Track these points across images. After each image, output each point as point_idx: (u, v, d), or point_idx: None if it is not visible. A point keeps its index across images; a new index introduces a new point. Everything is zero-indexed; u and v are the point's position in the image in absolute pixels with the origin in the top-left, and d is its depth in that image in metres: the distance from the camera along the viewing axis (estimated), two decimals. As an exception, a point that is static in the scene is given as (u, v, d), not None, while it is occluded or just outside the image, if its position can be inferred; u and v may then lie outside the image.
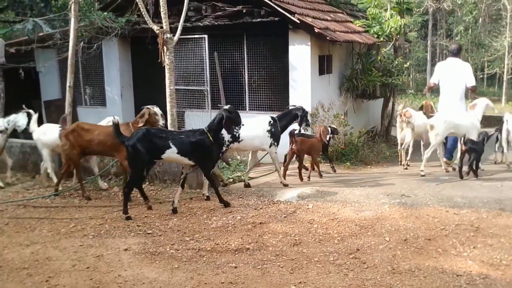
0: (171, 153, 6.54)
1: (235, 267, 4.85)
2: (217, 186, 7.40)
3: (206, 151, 6.70)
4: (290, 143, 8.29)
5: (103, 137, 7.33)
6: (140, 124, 7.39)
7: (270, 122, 8.03)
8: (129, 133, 6.98)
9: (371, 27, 12.81)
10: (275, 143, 8.05)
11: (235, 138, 7.76)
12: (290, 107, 8.64)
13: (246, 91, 11.34)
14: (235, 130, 7.39)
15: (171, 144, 6.52)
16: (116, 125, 6.55)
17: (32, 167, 9.33)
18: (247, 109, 11.22)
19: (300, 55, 10.46)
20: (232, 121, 6.73)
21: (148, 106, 7.67)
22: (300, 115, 8.20)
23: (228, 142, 7.72)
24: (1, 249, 5.51)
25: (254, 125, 8.01)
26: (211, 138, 6.65)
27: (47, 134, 8.31)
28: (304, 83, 10.50)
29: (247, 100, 11.33)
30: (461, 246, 5.17)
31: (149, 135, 6.50)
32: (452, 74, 9.17)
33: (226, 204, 6.95)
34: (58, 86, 13.64)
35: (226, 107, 6.88)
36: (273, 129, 8.00)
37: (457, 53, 9.39)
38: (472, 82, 9.12)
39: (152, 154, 6.53)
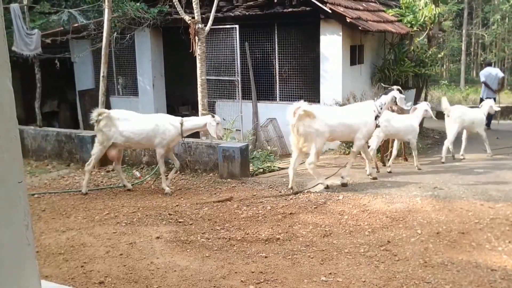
0: None
1: (265, 257, 4.87)
2: None
3: None
4: None
5: None
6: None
7: None
8: None
9: (405, 16, 12.56)
10: None
11: None
12: None
13: (277, 81, 11.32)
14: None
15: None
16: None
17: (67, 155, 9.56)
18: (278, 99, 11.21)
19: (332, 45, 10.37)
20: None
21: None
22: None
23: None
24: (38, 235, 5.67)
25: None
26: None
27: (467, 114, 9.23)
28: (335, 73, 10.41)
29: (277, 91, 11.32)
30: (496, 240, 5.06)
31: None
32: None
33: None
34: (92, 76, 13.89)
35: None
36: None
37: None
38: None
39: None
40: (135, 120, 7.37)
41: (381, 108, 7.27)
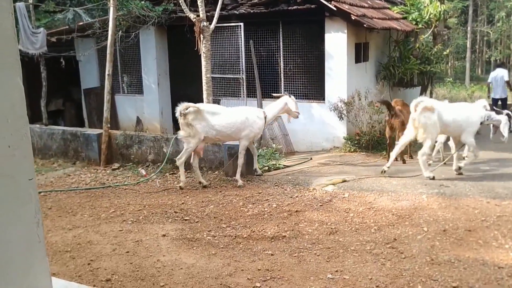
0: None
1: (272, 255, 4.88)
2: None
3: None
4: None
5: None
6: None
7: None
8: None
9: (410, 14, 12.53)
10: None
11: None
12: None
13: (282, 79, 11.31)
14: None
15: None
16: None
17: (73, 154, 9.59)
18: (282, 98, 11.17)
19: (337, 42, 10.34)
20: None
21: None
22: None
23: None
24: (45, 233, 5.68)
25: None
26: None
27: None
28: (340, 71, 10.39)
29: (282, 88, 11.30)
30: (503, 238, 5.05)
31: None
32: None
33: None
34: (97, 74, 13.90)
35: None
36: None
37: None
38: None
39: None
40: (225, 113, 7.48)
41: (487, 119, 7.70)
